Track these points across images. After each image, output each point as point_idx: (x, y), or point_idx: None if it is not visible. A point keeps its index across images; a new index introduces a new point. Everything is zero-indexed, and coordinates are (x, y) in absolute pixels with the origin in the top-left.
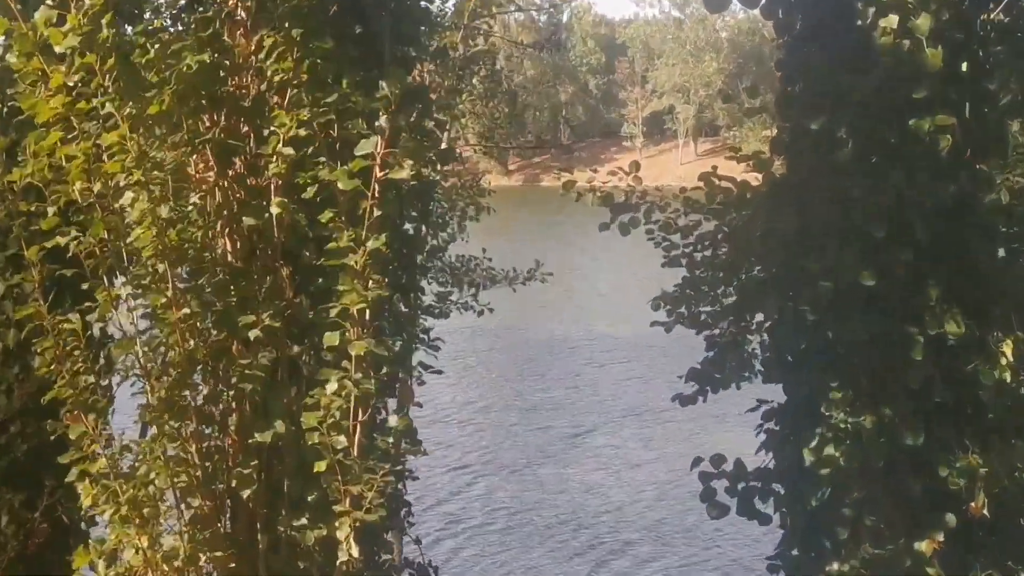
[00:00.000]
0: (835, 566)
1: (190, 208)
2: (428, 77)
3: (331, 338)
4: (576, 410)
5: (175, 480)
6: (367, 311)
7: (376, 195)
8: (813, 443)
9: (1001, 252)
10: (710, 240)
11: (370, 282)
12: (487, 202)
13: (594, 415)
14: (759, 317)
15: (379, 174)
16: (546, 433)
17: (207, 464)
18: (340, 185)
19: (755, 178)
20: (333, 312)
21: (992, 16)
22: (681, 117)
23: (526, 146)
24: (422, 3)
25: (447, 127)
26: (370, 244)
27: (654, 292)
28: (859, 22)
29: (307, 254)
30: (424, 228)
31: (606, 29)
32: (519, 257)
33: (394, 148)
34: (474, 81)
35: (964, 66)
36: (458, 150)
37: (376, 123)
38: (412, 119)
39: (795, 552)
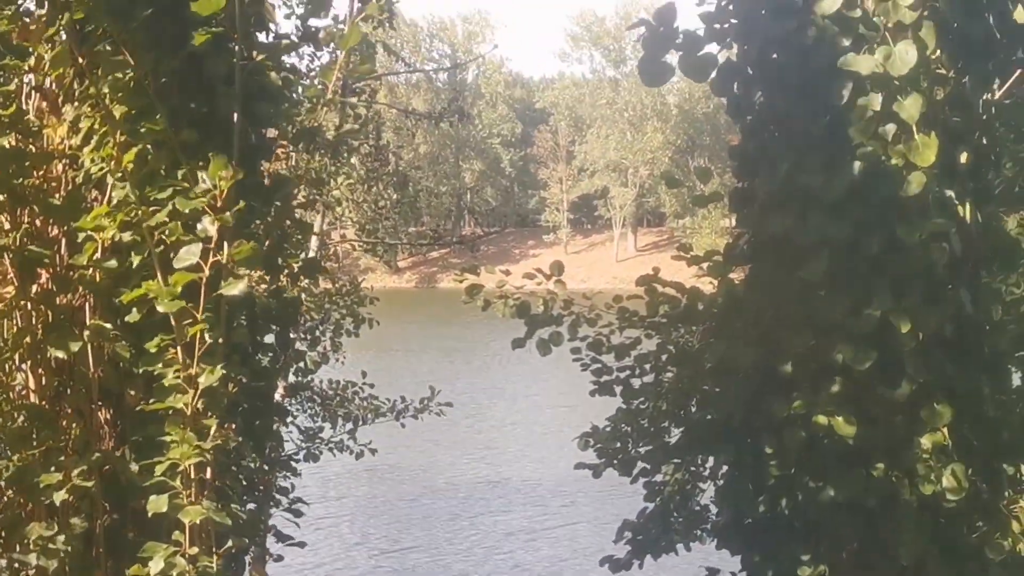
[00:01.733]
0: None
1: None
2: (294, 160)
3: (156, 503)
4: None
5: None
6: (206, 467)
7: (211, 317)
8: None
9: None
10: (652, 362)
11: (212, 430)
12: (369, 312)
13: None
14: (713, 460)
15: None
16: None
17: None
18: (159, 307)
19: (710, 283)
20: (159, 470)
21: (998, 96)
22: (617, 202)
23: (418, 242)
24: (280, 75)
25: (322, 218)
26: (203, 380)
27: (580, 423)
28: (833, 102)
29: (132, 393)
30: (283, 358)
31: (522, 91)
32: (409, 380)
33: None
34: (352, 160)
35: (963, 158)
36: (333, 246)
37: (199, 226)
38: (270, 218)
39: None
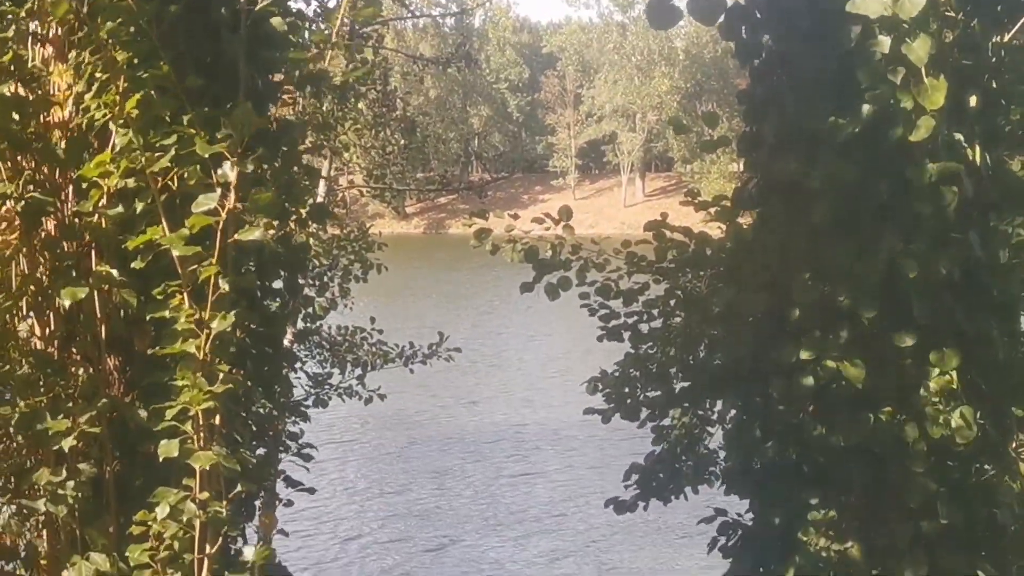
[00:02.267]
0: None
1: None
2: (301, 105)
3: (168, 447)
4: (446, 515)
5: None
6: (216, 412)
7: (223, 263)
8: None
9: None
10: (660, 307)
11: (219, 375)
12: (377, 258)
13: (471, 522)
14: (721, 405)
15: (232, 236)
16: (404, 546)
17: None
18: (175, 252)
19: (717, 227)
20: (169, 414)
21: (1007, 38)
22: (625, 147)
23: (426, 187)
24: (286, 19)
25: (330, 163)
26: (215, 325)
27: (582, 370)
28: (841, 46)
29: (139, 340)
30: (291, 303)
31: (530, 36)
32: (415, 325)
33: (245, 202)
34: (360, 106)
35: (973, 100)
36: (341, 191)
37: (218, 171)
38: (276, 164)
39: None
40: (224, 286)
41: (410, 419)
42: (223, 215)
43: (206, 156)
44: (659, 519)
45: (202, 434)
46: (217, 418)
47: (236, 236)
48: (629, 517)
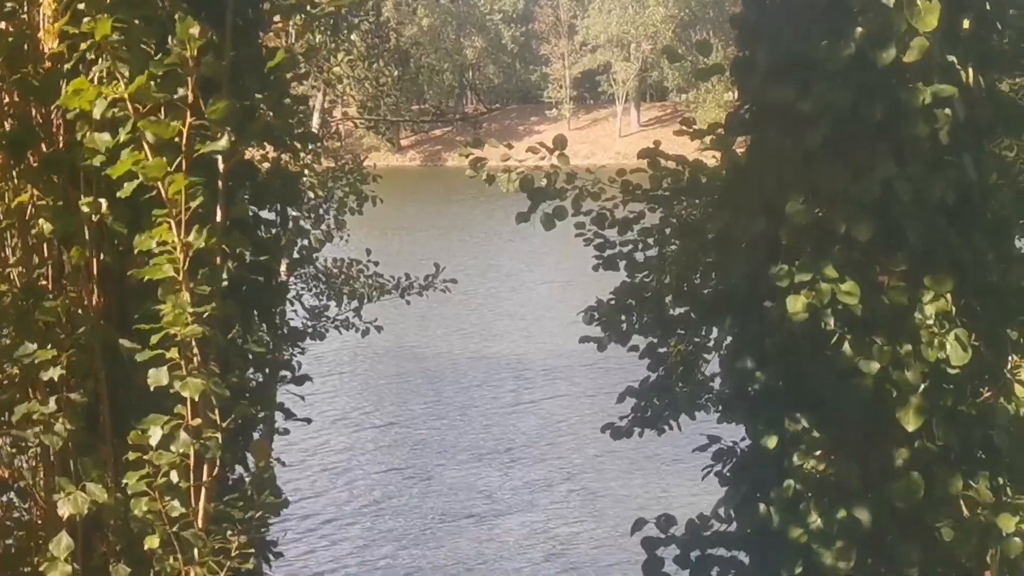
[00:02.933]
0: None
1: None
2: (292, 36)
3: (156, 376)
4: (434, 446)
5: None
6: (207, 342)
7: (191, 178)
8: (783, 500)
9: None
10: (655, 236)
11: (207, 296)
12: (372, 190)
13: (459, 453)
14: (717, 331)
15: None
16: (393, 476)
17: (8, 543)
18: (141, 176)
19: (712, 156)
20: (154, 339)
21: None
22: (620, 77)
23: (420, 119)
24: None
25: (323, 95)
26: (192, 240)
27: (572, 301)
28: None
29: (130, 271)
30: (285, 232)
31: None
32: (407, 258)
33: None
34: (352, 37)
35: (966, 23)
36: (335, 123)
37: (179, 91)
38: (267, 93)
39: None
40: (195, 204)
41: (399, 351)
42: (184, 131)
43: (160, 74)
44: (648, 448)
45: (194, 361)
46: (208, 344)
47: (201, 150)
48: (617, 447)
